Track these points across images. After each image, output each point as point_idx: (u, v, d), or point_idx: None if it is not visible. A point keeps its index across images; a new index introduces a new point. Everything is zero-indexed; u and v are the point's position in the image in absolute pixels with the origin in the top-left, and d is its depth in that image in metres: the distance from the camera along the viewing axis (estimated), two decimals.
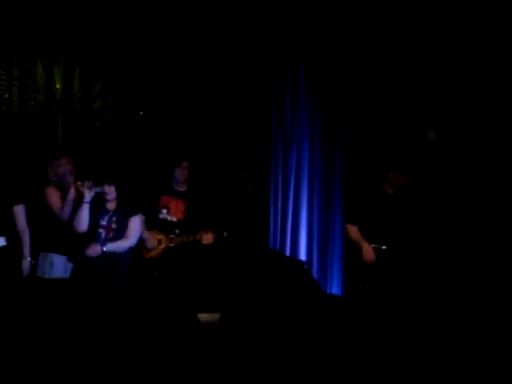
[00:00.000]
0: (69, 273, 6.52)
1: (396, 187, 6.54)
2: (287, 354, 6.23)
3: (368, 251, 6.40)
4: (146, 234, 6.90)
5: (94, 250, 6.31)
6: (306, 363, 6.02)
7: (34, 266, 7.13)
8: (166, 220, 7.06)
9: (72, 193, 6.47)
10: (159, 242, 6.97)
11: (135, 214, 6.50)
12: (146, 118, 8.39)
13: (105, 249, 6.32)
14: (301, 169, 8.25)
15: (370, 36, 7.85)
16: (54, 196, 6.70)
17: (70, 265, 6.51)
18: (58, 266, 6.67)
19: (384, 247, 6.43)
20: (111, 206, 6.41)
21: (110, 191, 6.34)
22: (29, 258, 6.40)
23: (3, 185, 6.56)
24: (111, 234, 6.38)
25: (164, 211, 7.06)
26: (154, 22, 7.97)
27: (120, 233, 6.39)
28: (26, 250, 6.40)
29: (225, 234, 7.06)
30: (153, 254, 6.95)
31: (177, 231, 7.02)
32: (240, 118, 8.25)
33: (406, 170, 6.50)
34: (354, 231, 6.55)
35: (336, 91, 8.13)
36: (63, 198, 6.56)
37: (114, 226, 6.39)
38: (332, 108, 8.16)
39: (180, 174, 7.05)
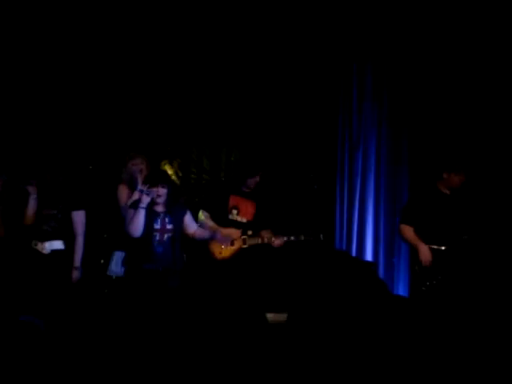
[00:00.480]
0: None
1: (452, 188, 6.49)
2: (353, 354, 6.23)
3: (424, 252, 6.35)
4: (224, 231, 6.89)
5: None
6: (372, 362, 6.02)
7: (104, 265, 7.29)
8: (235, 221, 7.06)
9: (137, 193, 6.55)
10: (231, 242, 6.95)
11: (187, 210, 6.47)
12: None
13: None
14: (367, 169, 8.22)
15: (435, 38, 7.78)
16: (123, 193, 6.83)
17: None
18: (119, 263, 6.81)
19: (443, 248, 6.38)
20: (160, 207, 6.39)
21: (163, 193, 6.33)
22: (78, 266, 6.47)
23: (66, 190, 6.66)
24: (166, 236, 6.27)
25: (234, 212, 7.04)
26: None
27: (176, 231, 6.34)
28: (77, 259, 6.47)
29: (292, 238, 7.03)
30: (225, 254, 6.93)
31: (250, 232, 7.00)
32: (307, 119, 8.27)
33: (459, 169, 6.43)
34: (409, 232, 6.51)
35: (402, 92, 8.07)
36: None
37: (168, 226, 6.38)
38: (398, 109, 8.10)
39: (253, 182, 7.04)
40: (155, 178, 6.32)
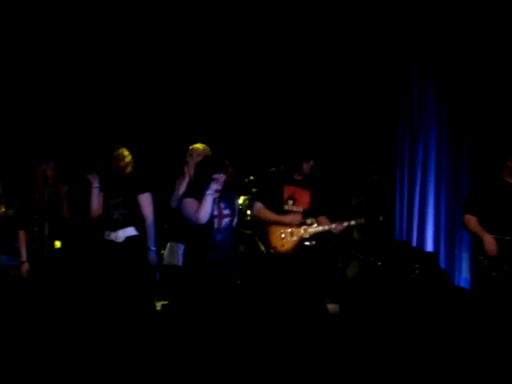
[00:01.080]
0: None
1: None
2: (413, 345, 6.22)
3: (490, 242, 6.28)
4: (282, 218, 6.88)
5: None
6: (434, 354, 6.00)
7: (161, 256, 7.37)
8: (292, 211, 7.02)
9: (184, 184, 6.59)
10: (291, 234, 6.92)
11: (235, 194, 6.47)
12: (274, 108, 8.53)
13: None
14: (428, 160, 8.16)
15: (493, 35, 7.71)
16: (181, 185, 6.87)
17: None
18: (179, 255, 6.86)
19: (508, 238, 6.32)
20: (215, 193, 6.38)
21: (224, 179, 6.34)
22: (153, 248, 6.50)
23: (129, 176, 6.70)
24: (224, 221, 6.21)
25: (290, 202, 6.97)
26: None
27: (232, 215, 6.27)
28: (150, 241, 6.48)
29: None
30: (287, 247, 6.89)
31: (308, 221, 6.95)
32: (367, 109, 8.26)
33: None
34: (472, 222, 6.44)
35: (463, 83, 7.99)
36: None
37: (225, 211, 6.36)
38: (459, 98, 8.02)
39: (308, 167, 6.99)
40: (215, 163, 6.31)
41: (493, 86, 7.82)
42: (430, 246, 8.12)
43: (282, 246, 6.78)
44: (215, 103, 8.67)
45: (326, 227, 6.83)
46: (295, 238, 6.82)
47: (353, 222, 6.88)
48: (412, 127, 8.25)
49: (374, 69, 8.22)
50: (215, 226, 6.15)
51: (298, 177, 6.94)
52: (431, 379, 5.59)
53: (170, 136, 8.61)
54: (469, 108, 7.95)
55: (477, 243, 6.42)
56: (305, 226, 6.85)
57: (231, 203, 6.30)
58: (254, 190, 8.36)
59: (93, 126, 8.36)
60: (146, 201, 6.54)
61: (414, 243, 8.23)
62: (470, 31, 7.86)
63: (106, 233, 6.56)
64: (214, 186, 6.09)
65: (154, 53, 8.38)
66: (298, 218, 6.77)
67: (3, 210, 7.02)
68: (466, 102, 7.97)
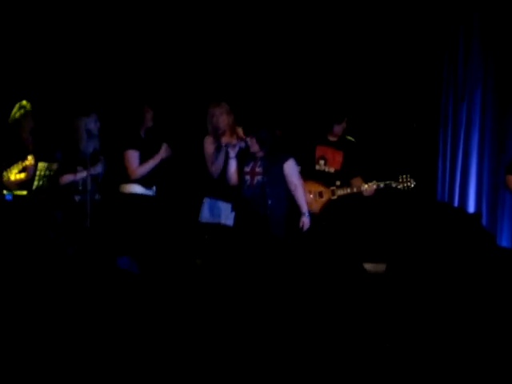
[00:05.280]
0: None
1: None
2: (456, 309, 6.19)
3: None
4: None
5: None
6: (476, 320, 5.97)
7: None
8: (323, 171, 7.00)
9: (223, 142, 6.55)
10: (320, 194, 6.86)
11: (287, 159, 6.44)
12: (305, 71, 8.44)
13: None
14: (471, 121, 8.09)
15: None
16: (207, 146, 6.80)
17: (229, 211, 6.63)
18: (217, 211, 6.87)
19: None
20: (260, 153, 6.44)
21: (252, 144, 6.37)
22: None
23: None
24: (256, 179, 6.35)
25: (321, 162, 6.93)
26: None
27: (270, 177, 6.34)
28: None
29: (381, 185, 6.87)
30: (315, 207, 6.83)
31: (338, 183, 6.87)
32: (411, 69, 8.17)
33: None
34: None
35: (510, 42, 7.86)
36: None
37: (258, 169, 6.37)
38: (505, 59, 7.90)
39: (340, 129, 6.93)
40: (254, 125, 6.35)
41: None
42: (471, 208, 8.06)
43: (310, 205, 6.72)
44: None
45: (355, 189, 6.78)
46: (323, 200, 6.78)
47: (382, 185, 6.81)
48: (457, 88, 8.15)
49: (419, 29, 8.09)
50: (248, 182, 6.35)
51: (331, 137, 6.90)
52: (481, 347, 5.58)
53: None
54: None
55: None
56: (333, 188, 6.79)
57: (271, 166, 6.34)
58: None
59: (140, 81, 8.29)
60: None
61: (456, 205, 8.17)
62: None
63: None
64: (232, 152, 6.36)
65: None
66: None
67: (46, 164, 6.93)
68: None
